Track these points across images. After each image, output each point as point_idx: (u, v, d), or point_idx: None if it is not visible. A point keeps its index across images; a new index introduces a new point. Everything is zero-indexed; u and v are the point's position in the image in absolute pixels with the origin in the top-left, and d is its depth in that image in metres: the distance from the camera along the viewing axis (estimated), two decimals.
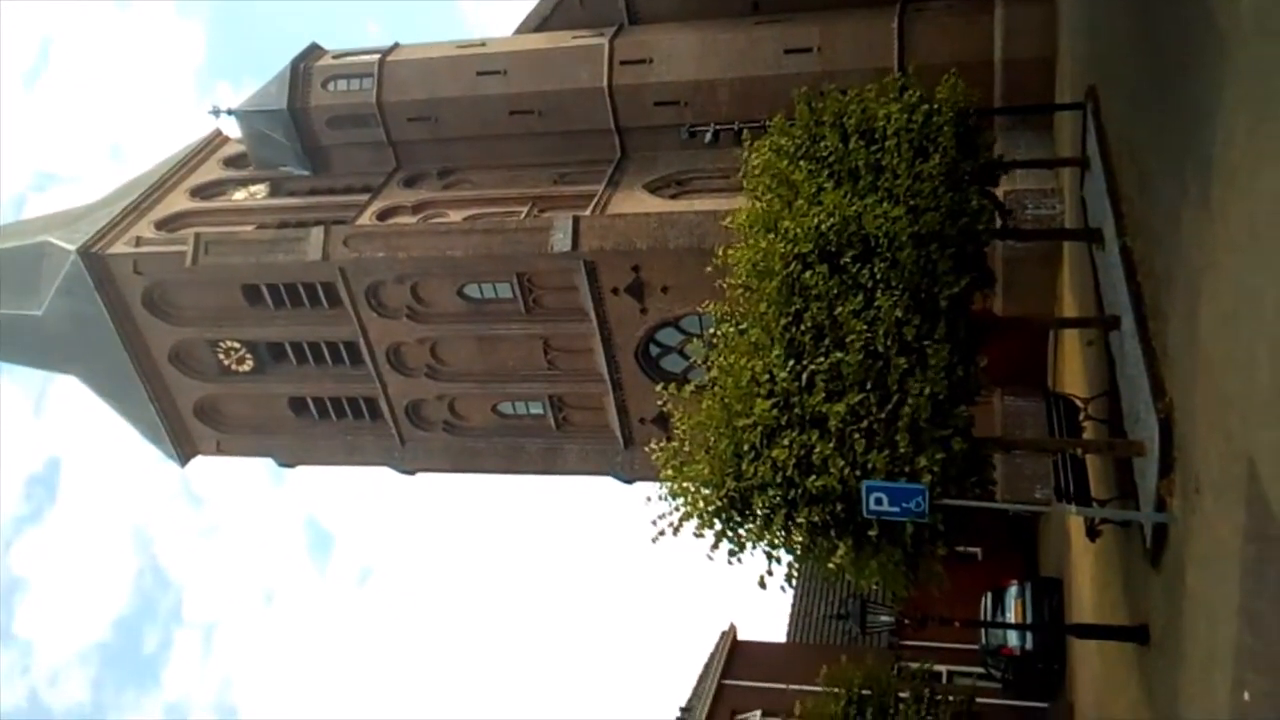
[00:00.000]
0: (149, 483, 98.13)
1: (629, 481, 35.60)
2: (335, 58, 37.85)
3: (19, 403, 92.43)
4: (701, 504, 13.28)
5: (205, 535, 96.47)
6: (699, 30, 34.00)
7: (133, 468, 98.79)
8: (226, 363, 37.94)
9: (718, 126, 29.33)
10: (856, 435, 12.72)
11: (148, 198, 38.31)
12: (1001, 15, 30.02)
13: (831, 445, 12.70)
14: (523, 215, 33.91)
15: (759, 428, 13.25)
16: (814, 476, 12.56)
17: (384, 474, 39.00)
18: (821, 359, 13.46)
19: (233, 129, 40.06)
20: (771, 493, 12.76)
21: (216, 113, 39.21)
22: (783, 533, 12.97)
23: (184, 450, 40.10)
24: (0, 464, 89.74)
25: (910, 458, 12.45)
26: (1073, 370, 21.80)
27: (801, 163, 16.65)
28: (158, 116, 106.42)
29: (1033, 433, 23.42)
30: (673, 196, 33.73)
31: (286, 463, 40.31)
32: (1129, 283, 13.60)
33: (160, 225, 37.35)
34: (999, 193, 20.08)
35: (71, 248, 35.48)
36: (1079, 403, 17.78)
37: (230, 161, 41.01)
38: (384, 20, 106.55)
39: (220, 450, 40.41)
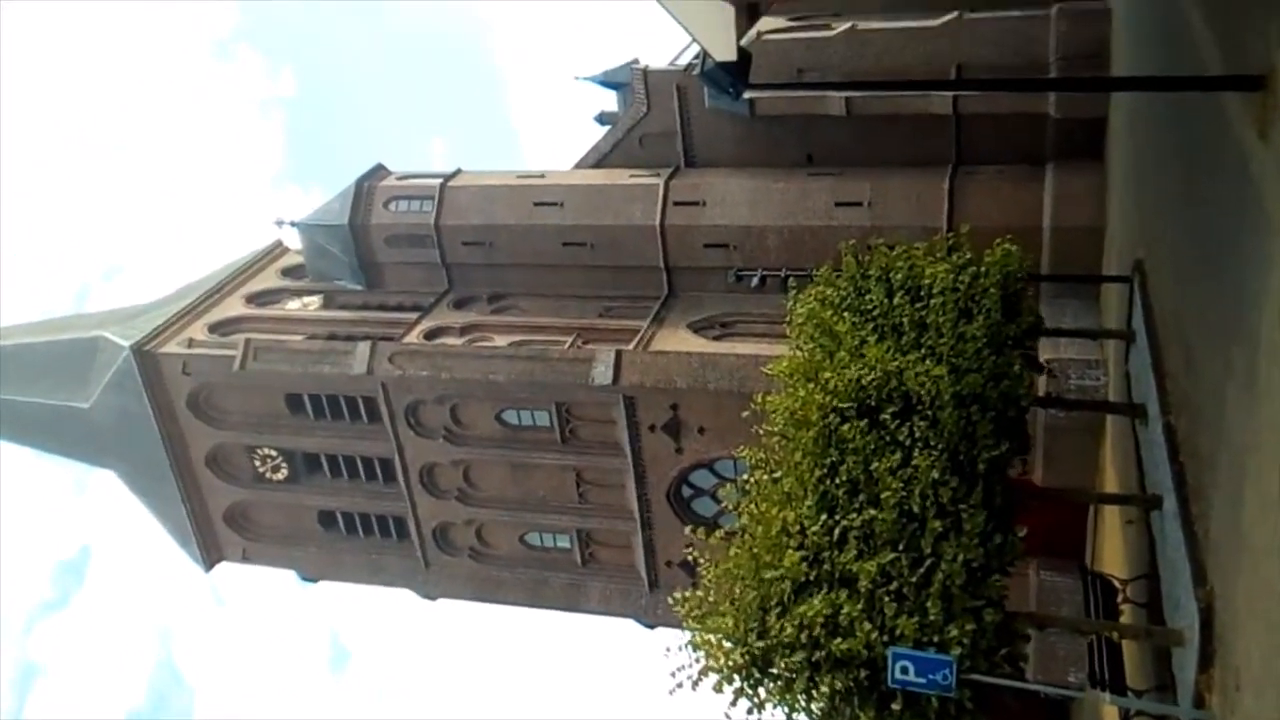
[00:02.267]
0: (176, 579, 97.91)
1: (651, 627, 34.86)
2: (399, 179, 38.99)
3: (61, 487, 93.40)
4: (723, 659, 12.90)
5: (225, 638, 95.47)
6: (753, 177, 34.71)
7: (162, 562, 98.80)
8: (262, 470, 38.11)
9: (765, 272, 29.78)
10: (886, 598, 12.37)
11: (204, 301, 39.23)
12: (1052, 183, 30.42)
13: (860, 607, 12.34)
14: (567, 345, 34.22)
15: (787, 581, 12.93)
16: (840, 639, 12.18)
17: (407, 596, 38.58)
18: (854, 515, 13.22)
19: (294, 239, 41.17)
20: (796, 655, 12.37)
21: (280, 223, 40.56)
22: (804, 697, 12.52)
23: (210, 555, 40.01)
24: (31, 552, 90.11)
25: (940, 626, 12.05)
26: (1112, 548, 21.23)
27: (846, 314, 16.70)
28: (230, 213, 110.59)
29: (1069, 611, 22.67)
30: (716, 338, 33.94)
31: (310, 577, 40.05)
32: (1172, 462, 13.31)
33: (214, 328, 38.11)
34: (1043, 360, 19.98)
35: (125, 344, 36.24)
36: (1117, 584, 17.27)
37: (288, 271, 42.01)
38: (450, 139, 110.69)
39: (246, 558, 40.25)
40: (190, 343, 36.78)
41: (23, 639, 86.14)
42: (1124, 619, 16.84)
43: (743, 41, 10.28)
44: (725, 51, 10.08)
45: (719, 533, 15.29)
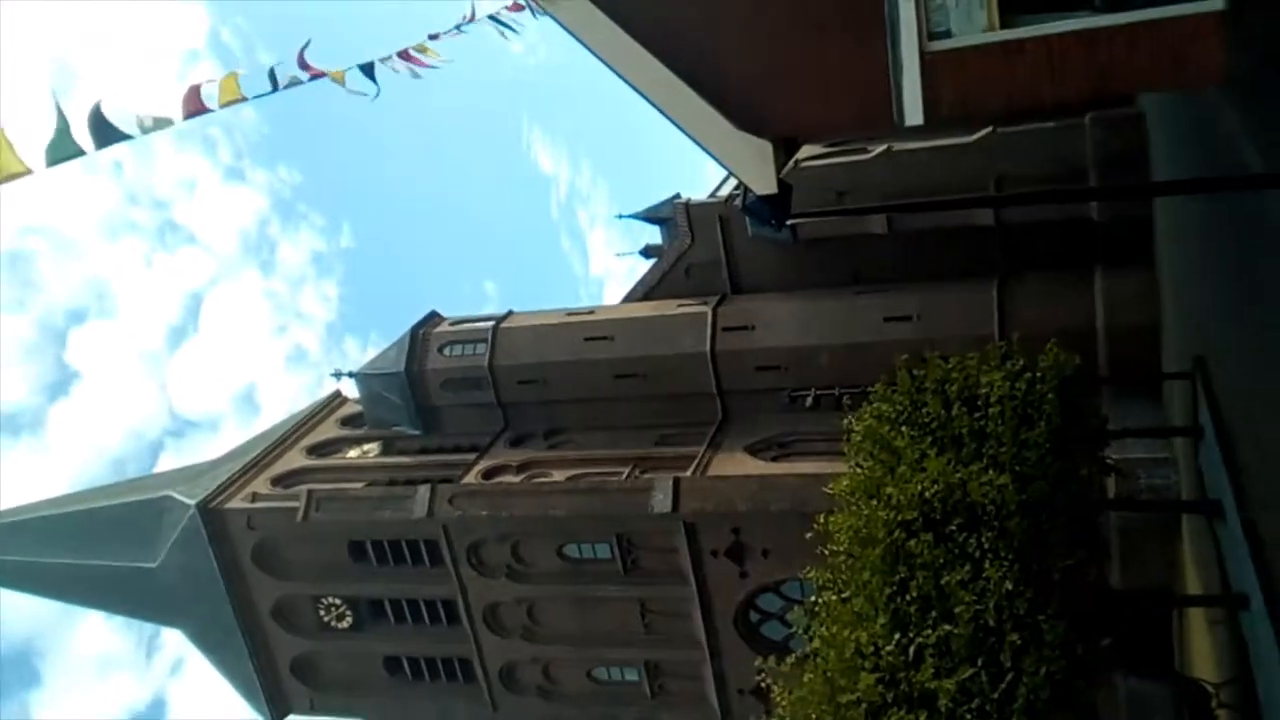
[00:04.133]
0: None
1: None
2: (453, 324, 39.86)
3: (129, 646, 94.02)
4: None
5: None
6: (800, 299, 35.05)
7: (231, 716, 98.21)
8: (327, 619, 38.07)
9: (818, 391, 29.73)
10: (968, 716, 11.99)
11: (267, 455, 39.87)
12: (1102, 285, 30.34)
13: None
14: (624, 476, 34.21)
15: (863, 704, 12.60)
16: None
17: None
18: (929, 631, 12.90)
19: (352, 390, 42.02)
20: None
21: (338, 375, 41.66)
22: None
23: (278, 708, 39.69)
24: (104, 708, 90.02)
25: None
26: (1201, 651, 20.39)
27: (904, 429, 16.56)
28: (290, 365, 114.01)
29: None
30: (774, 459, 33.78)
31: None
32: (1255, 560, 12.90)
33: (276, 481, 38.64)
34: (1110, 459, 19.59)
35: (191, 502, 36.81)
36: (1209, 688, 16.55)
37: (347, 421, 42.72)
38: (500, 281, 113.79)
39: (313, 708, 39.89)
40: (254, 497, 37.28)
41: None
42: None
43: (781, 174, 10.59)
44: (765, 185, 10.39)
45: (790, 658, 14.99)
